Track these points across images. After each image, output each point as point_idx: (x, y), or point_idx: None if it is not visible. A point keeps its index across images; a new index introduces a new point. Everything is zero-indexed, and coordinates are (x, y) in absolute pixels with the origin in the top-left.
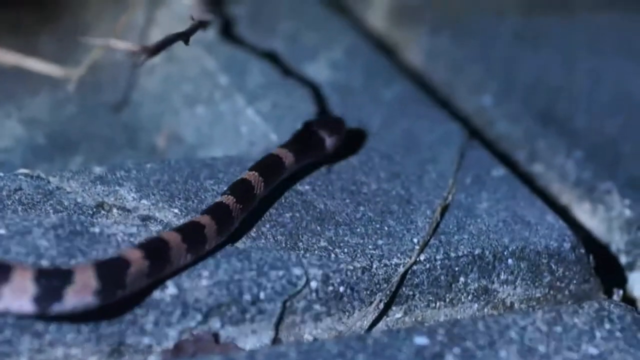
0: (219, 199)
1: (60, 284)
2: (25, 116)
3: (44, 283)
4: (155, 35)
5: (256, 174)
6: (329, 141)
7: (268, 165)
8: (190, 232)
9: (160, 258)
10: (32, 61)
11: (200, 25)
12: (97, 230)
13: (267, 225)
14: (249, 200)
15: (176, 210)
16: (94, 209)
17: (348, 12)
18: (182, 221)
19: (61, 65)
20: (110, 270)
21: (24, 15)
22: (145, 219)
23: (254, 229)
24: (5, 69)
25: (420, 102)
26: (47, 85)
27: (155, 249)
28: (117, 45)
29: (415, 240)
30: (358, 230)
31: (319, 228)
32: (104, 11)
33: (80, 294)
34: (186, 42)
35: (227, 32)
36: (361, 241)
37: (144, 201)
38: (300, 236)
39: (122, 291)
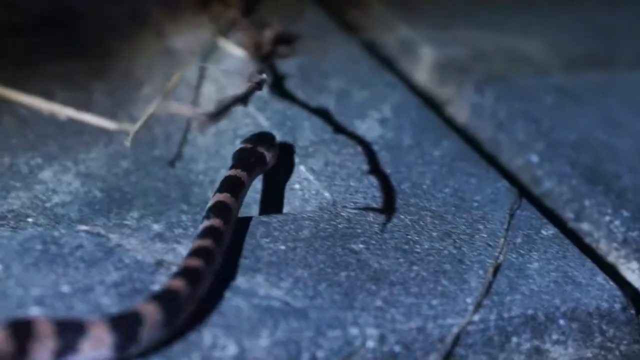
0: (208, 222)
1: (134, 327)
2: (82, 170)
3: (120, 330)
4: (208, 90)
5: (228, 194)
6: (269, 155)
7: (233, 185)
8: (207, 255)
9: (197, 282)
10: (87, 115)
11: (257, 86)
12: (157, 288)
13: (324, 285)
14: (232, 220)
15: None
16: (154, 267)
17: (395, 69)
18: (239, 279)
19: (113, 119)
20: (170, 301)
21: (76, 69)
22: None
23: (311, 288)
24: (60, 123)
25: (469, 160)
26: (102, 139)
27: (192, 275)
28: (180, 110)
29: (468, 300)
30: (412, 290)
31: (374, 287)
32: (154, 65)
33: (152, 329)
34: (245, 104)
35: (278, 88)
36: (416, 301)
37: None
38: (356, 295)
39: (182, 315)
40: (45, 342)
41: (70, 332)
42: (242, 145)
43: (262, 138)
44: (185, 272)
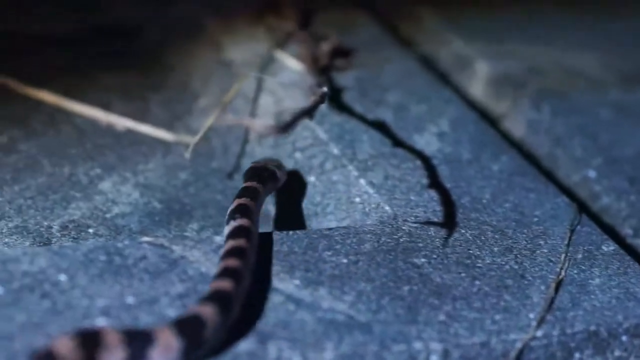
0: (235, 223)
1: (198, 330)
2: (141, 181)
3: (186, 335)
4: (265, 102)
5: (249, 199)
6: (280, 174)
7: (251, 192)
8: (244, 254)
9: (240, 281)
10: (146, 126)
11: (321, 99)
12: None
13: (387, 298)
14: (256, 220)
15: (297, 282)
16: None
17: (449, 83)
18: (302, 292)
19: (170, 131)
20: (224, 300)
21: (133, 80)
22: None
23: (375, 302)
24: (117, 134)
25: (527, 175)
26: (159, 150)
27: (234, 275)
28: (250, 124)
29: (531, 315)
30: (475, 304)
31: (437, 302)
32: (211, 77)
33: (213, 330)
34: (310, 117)
35: (336, 101)
36: (479, 316)
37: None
38: (419, 310)
39: (233, 313)
40: (114, 352)
41: (138, 340)
42: (253, 165)
43: (271, 161)
44: (227, 272)
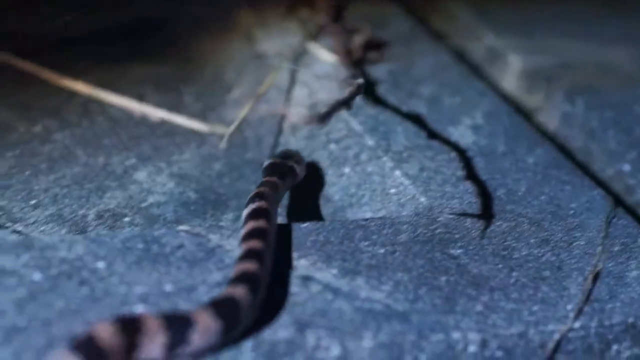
0: (255, 204)
1: (234, 310)
2: (175, 171)
3: (224, 316)
4: (299, 94)
5: (268, 189)
6: (298, 168)
7: (269, 184)
8: (265, 235)
9: (263, 262)
10: (180, 117)
11: (358, 90)
12: None
13: (424, 289)
14: (275, 209)
15: (334, 271)
16: None
17: (482, 76)
18: (340, 282)
19: (204, 122)
20: (252, 280)
21: (167, 72)
22: (306, 279)
23: (412, 292)
24: (151, 124)
25: (562, 168)
26: (193, 141)
27: (260, 256)
28: (287, 113)
29: (569, 307)
30: (512, 295)
31: (474, 292)
32: (243, 69)
33: (246, 311)
34: (348, 108)
35: (370, 93)
36: (516, 307)
37: (302, 261)
38: (457, 300)
39: (262, 292)
40: (154, 338)
41: (178, 325)
42: (272, 160)
43: (291, 155)
44: (251, 254)
